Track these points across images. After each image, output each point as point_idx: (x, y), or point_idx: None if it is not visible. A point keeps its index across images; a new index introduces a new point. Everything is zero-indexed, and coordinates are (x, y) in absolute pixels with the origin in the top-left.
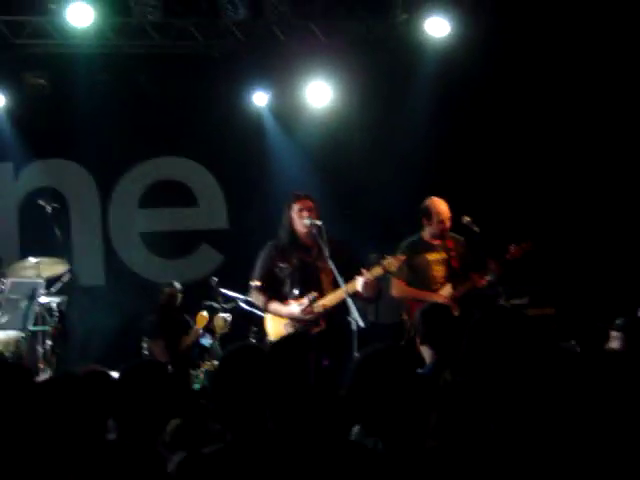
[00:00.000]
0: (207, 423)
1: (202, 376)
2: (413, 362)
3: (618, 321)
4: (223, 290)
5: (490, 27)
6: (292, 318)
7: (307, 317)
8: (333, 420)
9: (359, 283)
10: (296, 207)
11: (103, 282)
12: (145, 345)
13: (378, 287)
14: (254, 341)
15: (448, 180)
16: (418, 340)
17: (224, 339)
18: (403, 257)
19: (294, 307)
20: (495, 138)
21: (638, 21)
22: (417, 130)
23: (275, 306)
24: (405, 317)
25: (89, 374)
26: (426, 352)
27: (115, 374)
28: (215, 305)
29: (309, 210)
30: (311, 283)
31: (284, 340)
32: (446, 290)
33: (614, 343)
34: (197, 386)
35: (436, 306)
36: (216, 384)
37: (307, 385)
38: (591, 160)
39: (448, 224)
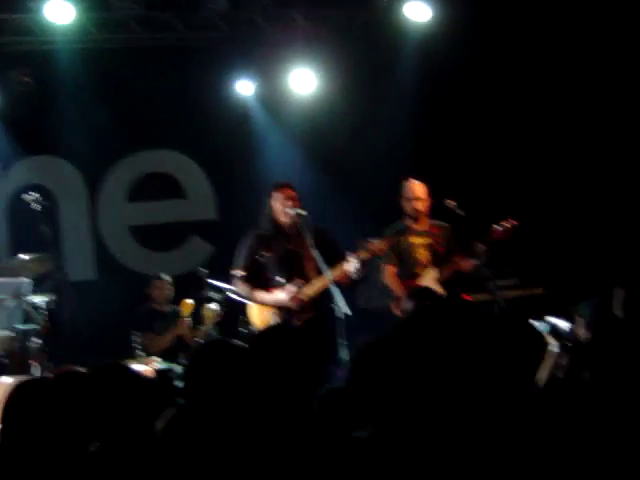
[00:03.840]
0: None
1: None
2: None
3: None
4: (212, 281)
5: (471, 11)
6: (279, 306)
7: (294, 305)
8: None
9: (350, 266)
10: (279, 196)
11: (94, 277)
12: (135, 338)
13: (364, 271)
14: (245, 330)
15: (433, 164)
16: None
17: (216, 329)
18: (387, 241)
19: (280, 295)
20: (477, 121)
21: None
22: (401, 114)
23: (261, 295)
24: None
25: (62, 375)
26: None
27: None
28: (206, 296)
29: (292, 199)
30: (295, 271)
31: (265, 333)
32: (430, 275)
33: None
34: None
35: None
36: (187, 381)
37: (289, 380)
38: (574, 140)
39: (418, 205)
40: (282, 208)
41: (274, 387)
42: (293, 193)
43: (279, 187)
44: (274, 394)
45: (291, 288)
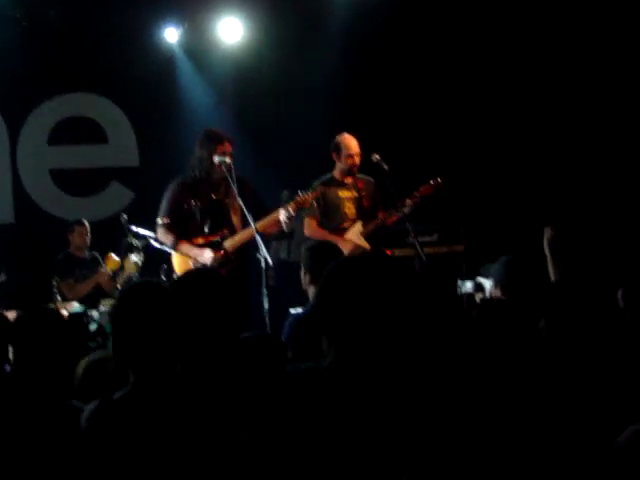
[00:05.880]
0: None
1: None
2: None
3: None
4: (133, 227)
5: None
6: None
7: (215, 265)
8: (237, 358)
9: (282, 216)
10: (219, 149)
11: (12, 220)
12: (55, 284)
13: (292, 223)
14: (164, 278)
15: (360, 117)
16: (306, 278)
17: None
18: (316, 193)
19: (206, 253)
20: (405, 75)
21: None
22: (329, 66)
23: (185, 246)
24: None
25: None
26: (311, 291)
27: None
28: (130, 242)
29: (228, 154)
30: (221, 220)
31: (189, 275)
32: (356, 228)
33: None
34: (93, 326)
35: (326, 245)
36: (114, 321)
37: (211, 322)
38: (494, 93)
39: (357, 160)
40: (214, 158)
41: (196, 328)
42: (230, 149)
43: (221, 141)
44: (196, 335)
45: (211, 253)
